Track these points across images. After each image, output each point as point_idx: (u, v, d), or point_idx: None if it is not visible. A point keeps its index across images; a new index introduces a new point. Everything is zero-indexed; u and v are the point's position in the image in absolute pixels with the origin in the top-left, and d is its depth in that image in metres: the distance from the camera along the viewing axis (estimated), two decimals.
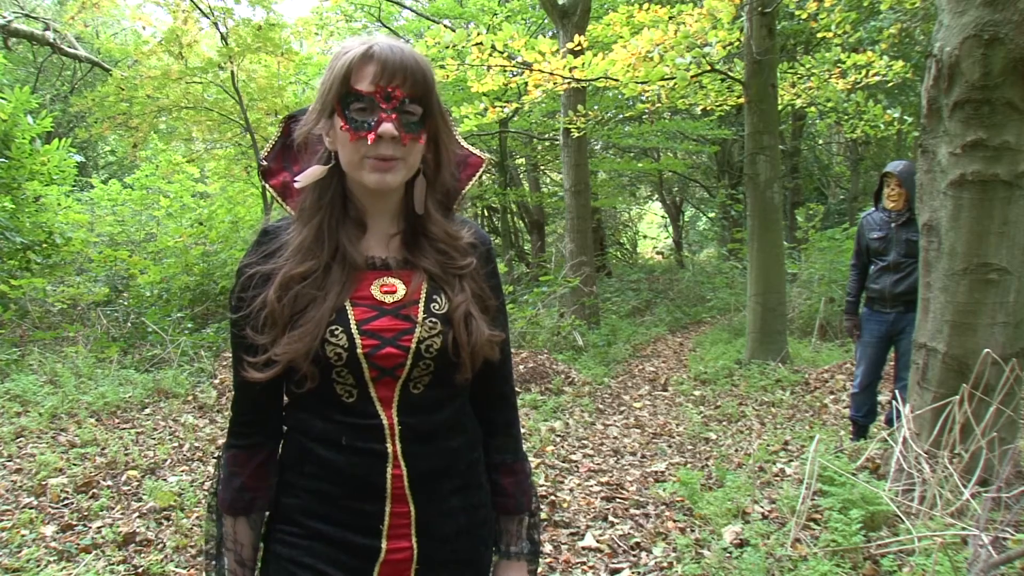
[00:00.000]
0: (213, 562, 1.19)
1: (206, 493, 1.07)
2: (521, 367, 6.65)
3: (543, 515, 3.55)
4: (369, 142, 1.04)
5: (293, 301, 1.07)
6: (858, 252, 4.67)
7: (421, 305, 1.11)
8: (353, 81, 1.04)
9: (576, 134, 8.67)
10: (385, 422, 1.09)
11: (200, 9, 9.34)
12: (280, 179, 1.19)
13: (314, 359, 1.05)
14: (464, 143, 1.23)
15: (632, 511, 3.62)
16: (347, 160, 1.08)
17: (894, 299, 4.37)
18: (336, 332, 1.06)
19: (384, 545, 1.10)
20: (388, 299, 1.10)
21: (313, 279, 1.08)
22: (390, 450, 1.09)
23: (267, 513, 1.20)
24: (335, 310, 1.07)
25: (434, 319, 1.10)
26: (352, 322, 1.07)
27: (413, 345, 1.08)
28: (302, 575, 1.10)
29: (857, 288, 4.71)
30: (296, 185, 1.12)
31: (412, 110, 1.07)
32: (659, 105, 8.40)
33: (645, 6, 7.33)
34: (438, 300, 1.12)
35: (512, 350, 7.02)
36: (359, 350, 1.06)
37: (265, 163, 1.19)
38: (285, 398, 1.18)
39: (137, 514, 3.44)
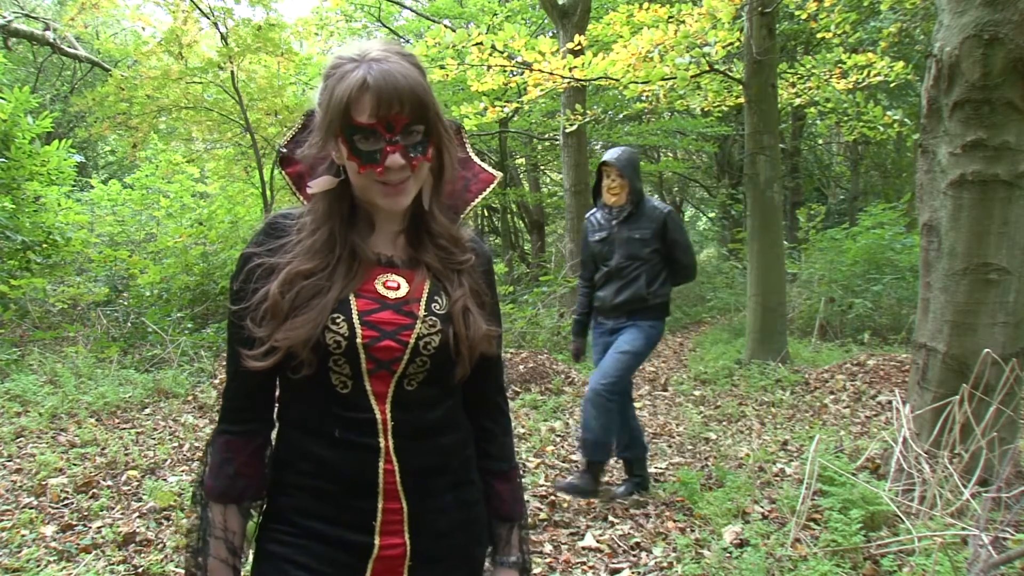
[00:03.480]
0: (197, 557, 1.16)
1: (193, 481, 1.06)
2: (521, 367, 6.65)
3: (543, 515, 3.55)
4: (379, 175, 1.07)
5: (295, 296, 1.08)
6: (584, 261, 3.95)
7: (423, 303, 1.13)
8: (353, 114, 1.05)
9: (570, 128, 8.68)
10: (378, 416, 1.10)
11: (200, 9, 9.33)
12: (297, 168, 1.20)
13: (314, 346, 1.06)
14: (477, 159, 1.26)
15: (632, 511, 3.62)
16: (356, 185, 1.11)
17: (615, 309, 3.74)
18: (338, 320, 1.08)
19: (377, 541, 1.11)
20: (391, 295, 1.13)
21: (319, 275, 1.10)
22: (382, 445, 1.10)
23: (260, 512, 1.19)
24: (339, 300, 1.09)
25: (434, 318, 1.13)
26: (354, 312, 1.09)
27: (412, 340, 1.10)
28: (296, 573, 1.11)
29: (586, 303, 3.96)
30: (308, 191, 1.15)
31: (415, 131, 1.08)
32: (658, 104, 8.40)
33: (645, 6, 7.33)
34: (439, 301, 1.15)
35: (512, 350, 7.06)
36: (359, 340, 1.08)
37: (284, 150, 1.20)
38: (278, 391, 1.18)
39: (137, 514, 3.44)
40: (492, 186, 1.26)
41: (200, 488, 1.18)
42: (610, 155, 3.71)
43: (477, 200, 1.25)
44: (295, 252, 1.11)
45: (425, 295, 1.14)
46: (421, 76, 1.08)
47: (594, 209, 3.92)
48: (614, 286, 3.73)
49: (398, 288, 1.14)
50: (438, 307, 1.14)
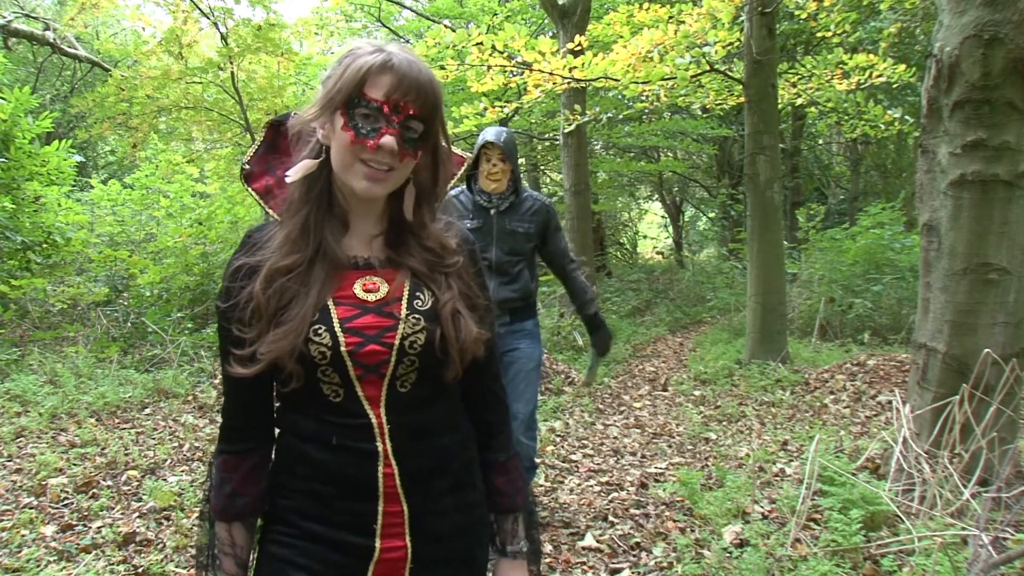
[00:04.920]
0: (207, 573, 1.18)
1: (200, 499, 1.08)
2: None
3: (543, 515, 3.55)
4: (369, 150, 1.06)
5: (279, 295, 1.08)
6: None
7: (404, 302, 1.12)
8: (367, 87, 1.05)
9: (567, 128, 8.68)
10: (374, 421, 1.10)
11: (200, 9, 9.34)
12: (263, 183, 1.19)
13: (299, 358, 1.06)
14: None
15: (632, 511, 3.62)
16: (340, 161, 1.09)
17: (497, 307, 3.24)
18: (319, 331, 1.07)
19: (378, 544, 1.11)
20: (371, 297, 1.12)
21: (297, 273, 1.09)
22: (380, 449, 1.10)
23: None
24: (318, 308, 1.08)
25: (417, 315, 1.12)
26: (335, 320, 1.08)
27: (396, 341, 1.09)
28: (296, 575, 1.11)
29: None
30: (287, 179, 1.13)
31: (414, 127, 1.08)
32: (658, 104, 8.39)
33: (645, 6, 7.33)
34: (421, 297, 1.13)
35: None
36: (343, 348, 1.07)
37: (248, 166, 1.20)
38: (276, 401, 1.18)
39: (137, 514, 3.44)
40: (463, 169, 1.25)
41: (207, 506, 1.20)
42: (493, 135, 3.18)
43: (450, 184, 1.23)
44: (273, 247, 1.11)
45: (406, 293, 1.13)
46: (440, 88, 1.11)
47: (458, 190, 3.33)
48: (493, 281, 3.25)
49: (377, 290, 1.12)
50: (420, 303, 1.13)
